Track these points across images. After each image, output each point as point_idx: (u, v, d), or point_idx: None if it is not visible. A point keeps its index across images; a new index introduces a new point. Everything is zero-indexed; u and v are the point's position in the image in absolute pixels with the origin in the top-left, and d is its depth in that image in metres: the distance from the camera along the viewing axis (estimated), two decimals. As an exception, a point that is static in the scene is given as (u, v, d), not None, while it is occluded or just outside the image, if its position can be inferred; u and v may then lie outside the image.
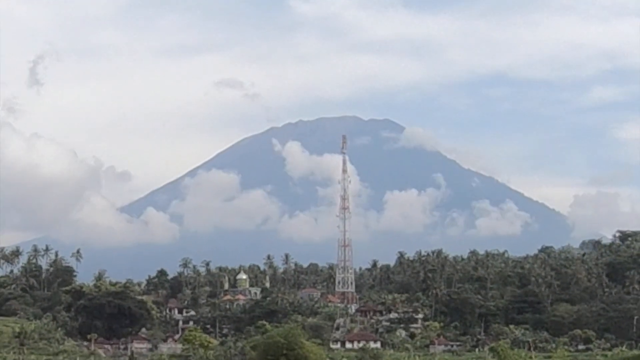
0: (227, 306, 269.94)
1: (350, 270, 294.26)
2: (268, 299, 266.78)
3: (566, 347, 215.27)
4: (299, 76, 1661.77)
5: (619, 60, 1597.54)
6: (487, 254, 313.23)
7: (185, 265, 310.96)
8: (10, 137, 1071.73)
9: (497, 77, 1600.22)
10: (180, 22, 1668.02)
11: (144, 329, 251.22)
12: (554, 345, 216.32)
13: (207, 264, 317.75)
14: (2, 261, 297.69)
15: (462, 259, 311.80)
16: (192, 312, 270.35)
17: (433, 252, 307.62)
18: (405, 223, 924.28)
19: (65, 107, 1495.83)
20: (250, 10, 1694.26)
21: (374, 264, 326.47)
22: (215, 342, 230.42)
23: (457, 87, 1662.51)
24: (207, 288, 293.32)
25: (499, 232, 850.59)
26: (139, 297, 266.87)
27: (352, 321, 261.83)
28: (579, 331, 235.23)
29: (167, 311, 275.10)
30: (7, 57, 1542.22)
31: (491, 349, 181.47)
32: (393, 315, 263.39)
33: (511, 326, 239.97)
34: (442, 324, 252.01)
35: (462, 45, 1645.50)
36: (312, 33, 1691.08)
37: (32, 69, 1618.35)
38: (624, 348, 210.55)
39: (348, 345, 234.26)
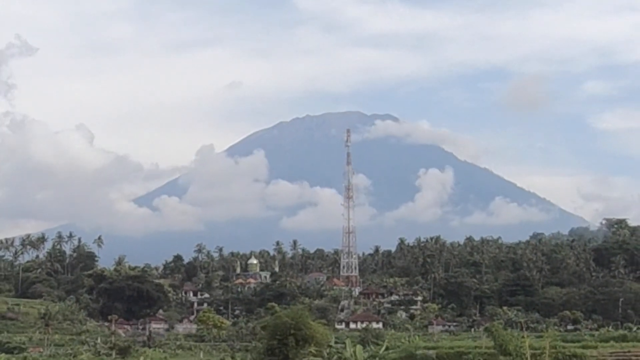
0: (239, 289, 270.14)
1: (354, 256, 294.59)
2: (277, 282, 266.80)
3: (556, 327, 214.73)
4: (303, 71, 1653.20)
5: (613, 55, 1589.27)
6: (482, 240, 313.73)
7: (199, 250, 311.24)
8: (35, 130, 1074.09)
9: (494, 71, 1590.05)
10: (186, 17, 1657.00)
11: (161, 311, 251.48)
12: (544, 326, 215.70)
13: (220, 250, 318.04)
14: (28, 247, 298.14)
15: (459, 245, 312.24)
16: (206, 295, 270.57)
17: (432, 239, 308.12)
18: (406, 214, 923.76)
19: (79, 100, 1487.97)
20: (255, 6, 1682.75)
21: (376, 250, 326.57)
22: (227, 322, 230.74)
23: (455, 81, 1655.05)
24: (220, 272, 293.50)
25: (493, 221, 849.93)
26: (157, 281, 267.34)
27: (355, 303, 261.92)
28: (568, 312, 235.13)
29: (183, 294, 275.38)
30: (25, 52, 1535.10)
31: (486, 329, 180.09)
32: (394, 297, 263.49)
33: (504, 308, 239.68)
34: (440, 306, 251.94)
35: (460, 39, 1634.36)
36: (314, 28, 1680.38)
37: (52, 62, 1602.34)
38: (610, 328, 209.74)
39: (352, 325, 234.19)
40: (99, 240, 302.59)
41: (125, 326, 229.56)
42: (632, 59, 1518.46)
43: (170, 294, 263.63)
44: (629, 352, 71.66)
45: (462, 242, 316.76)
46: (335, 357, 57.73)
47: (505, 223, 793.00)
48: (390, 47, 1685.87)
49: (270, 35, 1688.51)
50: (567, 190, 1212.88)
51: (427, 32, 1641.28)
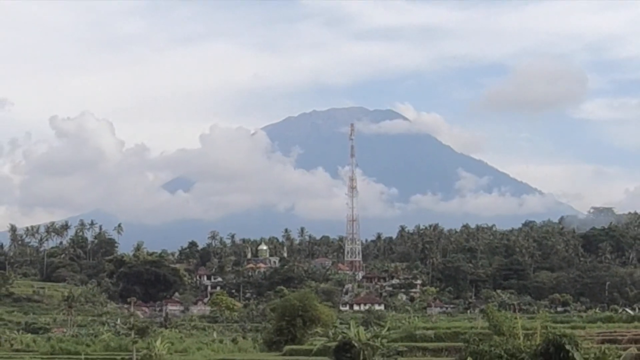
0: (250, 273, 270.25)
1: (357, 242, 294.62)
2: (286, 267, 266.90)
3: (546, 309, 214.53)
4: (308, 65, 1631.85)
5: (607, 50, 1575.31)
6: (478, 228, 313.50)
7: (213, 237, 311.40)
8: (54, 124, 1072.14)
9: (492, 66, 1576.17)
10: (192, 13, 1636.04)
11: (177, 293, 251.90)
12: (536, 308, 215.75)
13: (232, 237, 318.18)
14: (53, 234, 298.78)
15: (456, 232, 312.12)
16: (219, 279, 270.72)
17: (430, 226, 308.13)
18: (406, 204, 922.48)
19: (97, 93, 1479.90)
20: (259, 0, 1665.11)
21: (378, 237, 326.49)
22: (239, 304, 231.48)
23: (455, 75, 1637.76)
24: (232, 257, 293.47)
25: (488, 209, 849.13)
26: (173, 266, 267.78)
27: (359, 286, 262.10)
28: (557, 295, 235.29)
29: (197, 278, 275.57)
30: (41, 49, 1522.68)
31: (481, 311, 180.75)
32: (395, 281, 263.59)
33: (498, 291, 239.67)
34: (438, 289, 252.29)
35: (461, 33, 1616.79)
36: (318, 22, 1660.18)
37: (66, 59, 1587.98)
38: (597, 310, 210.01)
39: (355, 307, 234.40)
40: (119, 228, 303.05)
41: (144, 308, 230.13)
42: (625, 54, 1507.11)
43: (185, 278, 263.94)
44: (614, 332, 71.64)
45: (458, 230, 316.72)
46: (340, 337, 57.81)
47: (500, 212, 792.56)
48: (393, 40, 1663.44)
49: (275, 30, 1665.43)
50: (557, 180, 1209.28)
51: (429, 26, 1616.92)
